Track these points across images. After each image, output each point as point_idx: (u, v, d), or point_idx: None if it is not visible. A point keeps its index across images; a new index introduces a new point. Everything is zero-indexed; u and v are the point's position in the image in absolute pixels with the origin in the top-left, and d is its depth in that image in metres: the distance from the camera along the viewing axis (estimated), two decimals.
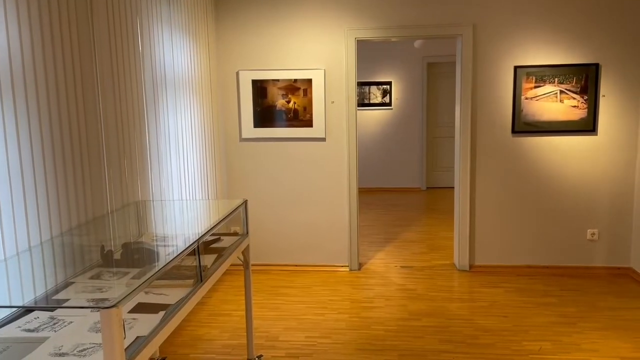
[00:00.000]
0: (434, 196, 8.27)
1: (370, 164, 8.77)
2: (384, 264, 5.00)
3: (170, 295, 2.16)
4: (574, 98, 4.42)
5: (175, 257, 2.03)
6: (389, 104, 8.64)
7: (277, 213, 4.85)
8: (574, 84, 4.40)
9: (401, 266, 4.93)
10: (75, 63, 2.49)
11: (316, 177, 4.78)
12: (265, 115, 4.72)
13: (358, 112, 8.60)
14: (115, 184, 2.86)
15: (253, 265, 4.84)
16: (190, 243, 2.20)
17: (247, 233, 3.05)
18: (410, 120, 8.66)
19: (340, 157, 4.73)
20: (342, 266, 4.85)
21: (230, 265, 4.46)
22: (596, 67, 4.37)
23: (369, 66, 8.59)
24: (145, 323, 1.91)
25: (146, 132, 3.22)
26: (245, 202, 3.04)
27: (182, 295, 2.13)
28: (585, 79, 4.39)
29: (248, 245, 3.04)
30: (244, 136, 4.76)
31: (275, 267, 4.88)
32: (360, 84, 8.62)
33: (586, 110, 4.43)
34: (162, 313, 1.97)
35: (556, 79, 4.41)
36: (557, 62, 4.42)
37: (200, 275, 2.30)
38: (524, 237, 4.69)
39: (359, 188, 8.41)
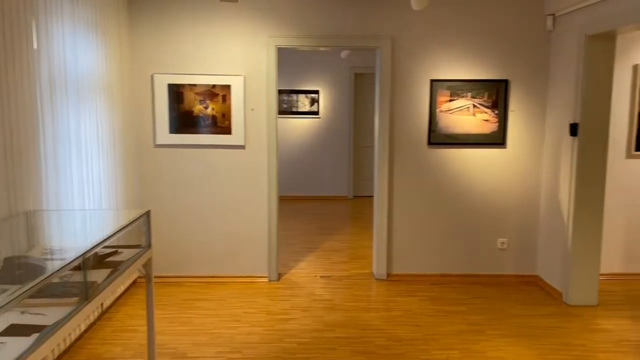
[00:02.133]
0: (359, 204, 8.34)
1: (298, 172, 8.73)
2: (304, 274, 4.95)
3: (49, 315, 1.99)
4: (486, 112, 4.58)
5: (51, 274, 1.86)
6: (317, 113, 8.65)
7: (194, 222, 4.68)
8: (485, 98, 4.56)
9: (321, 276, 4.90)
10: None
11: (235, 186, 4.66)
12: (181, 121, 4.55)
13: (285, 120, 8.55)
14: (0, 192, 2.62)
15: (166, 277, 4.64)
16: (73, 258, 2.03)
17: (150, 245, 2.90)
18: (337, 129, 8.71)
19: (260, 165, 4.64)
20: (260, 277, 4.74)
21: (141, 278, 4.23)
22: (506, 83, 4.55)
23: (297, 74, 8.57)
24: (16, 347, 1.74)
25: (41, 135, 2.99)
26: (148, 212, 2.88)
27: (63, 316, 1.96)
28: (496, 94, 4.56)
29: (150, 258, 2.88)
30: (158, 142, 4.57)
31: (190, 279, 4.70)
32: (289, 92, 8.58)
33: (497, 124, 4.60)
34: (35, 336, 1.80)
35: (469, 93, 4.56)
36: (471, 77, 4.57)
37: (86, 293, 2.13)
38: (438, 246, 4.79)
39: (284, 196, 8.35)
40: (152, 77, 4.49)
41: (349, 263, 5.30)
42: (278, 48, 4.54)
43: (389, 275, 4.82)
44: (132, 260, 2.70)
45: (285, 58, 8.31)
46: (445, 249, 4.80)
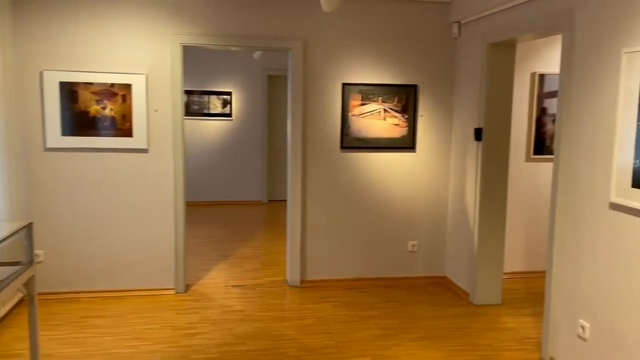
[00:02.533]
0: (274, 209, 8.20)
1: (210, 176, 8.43)
2: (215, 284, 4.73)
3: None
4: (396, 116, 4.62)
5: None
6: (230, 115, 8.41)
7: (92, 233, 4.31)
8: (396, 103, 4.60)
9: (232, 285, 4.70)
10: None
11: (137, 192, 4.35)
12: (76, 123, 4.17)
13: (196, 122, 8.24)
14: None
15: (60, 293, 4.24)
16: None
17: (32, 262, 2.58)
18: (251, 132, 8.52)
19: (165, 169, 4.37)
20: (166, 289, 4.46)
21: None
22: (415, 88, 4.62)
23: (209, 75, 8.28)
24: None
25: None
26: (30, 224, 2.56)
27: None
28: (405, 99, 4.62)
29: (33, 277, 2.56)
30: (49, 145, 4.16)
31: (87, 295, 4.32)
32: (200, 93, 8.27)
33: (407, 128, 4.66)
34: None
35: (380, 98, 4.58)
36: (381, 81, 4.60)
37: None
38: (352, 250, 4.77)
39: (195, 202, 8.04)
40: (41, 74, 4.08)
41: (262, 270, 5.14)
42: (184, 46, 4.30)
43: (302, 281, 4.72)
44: (10, 279, 2.38)
45: (196, 58, 8.00)
46: (359, 253, 4.78)
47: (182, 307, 4.17)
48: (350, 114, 4.56)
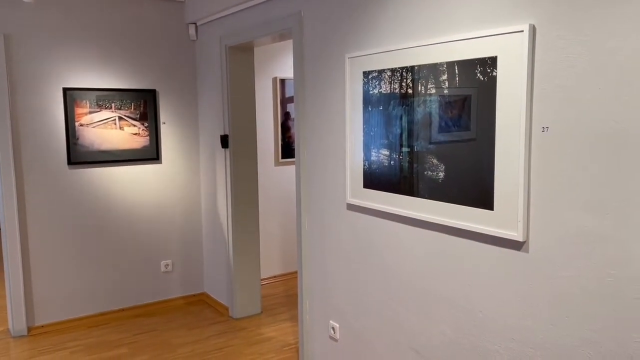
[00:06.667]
0: None
1: None
2: None
3: None
4: (135, 125, 4.14)
5: None
6: None
7: None
8: (132, 110, 4.12)
9: None
10: None
11: None
12: None
13: None
14: None
15: None
16: None
17: None
18: None
19: None
20: None
21: None
22: (154, 93, 4.21)
23: None
24: None
25: None
26: None
27: None
28: (144, 105, 4.17)
29: None
30: None
31: None
32: None
33: (148, 137, 4.21)
34: None
35: (113, 104, 4.03)
36: (113, 86, 4.05)
37: None
38: (94, 280, 4.12)
39: None
40: None
41: None
42: None
43: (30, 329, 3.88)
44: None
45: None
46: (103, 283, 4.15)
47: None
48: (77, 123, 3.91)
